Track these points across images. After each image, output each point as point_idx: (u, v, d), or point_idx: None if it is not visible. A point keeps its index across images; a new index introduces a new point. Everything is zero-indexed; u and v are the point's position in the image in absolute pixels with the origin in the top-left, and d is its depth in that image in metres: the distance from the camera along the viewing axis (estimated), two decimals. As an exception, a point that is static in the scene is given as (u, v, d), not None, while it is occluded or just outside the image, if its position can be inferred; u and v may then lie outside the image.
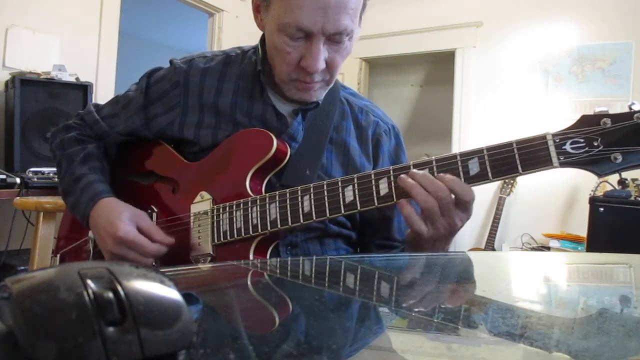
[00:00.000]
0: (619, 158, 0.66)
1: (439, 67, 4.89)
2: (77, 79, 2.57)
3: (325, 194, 0.80)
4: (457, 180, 0.74)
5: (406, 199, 0.76)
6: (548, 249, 3.41)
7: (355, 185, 0.78)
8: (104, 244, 0.88)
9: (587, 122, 0.68)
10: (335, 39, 0.82)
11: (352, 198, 0.78)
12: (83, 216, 0.93)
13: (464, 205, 0.76)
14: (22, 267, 2.19)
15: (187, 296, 0.29)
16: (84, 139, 1.02)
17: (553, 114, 3.52)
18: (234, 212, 0.86)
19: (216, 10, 3.91)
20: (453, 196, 0.74)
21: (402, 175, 0.76)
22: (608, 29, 3.45)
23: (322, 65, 0.83)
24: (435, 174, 0.75)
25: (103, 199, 0.92)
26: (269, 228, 0.83)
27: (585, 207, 2.70)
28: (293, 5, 0.79)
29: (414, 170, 0.75)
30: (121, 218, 0.86)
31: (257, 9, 0.89)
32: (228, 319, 0.42)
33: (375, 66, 4.87)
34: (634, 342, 0.37)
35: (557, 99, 3.60)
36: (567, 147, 0.68)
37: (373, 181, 0.77)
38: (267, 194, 0.84)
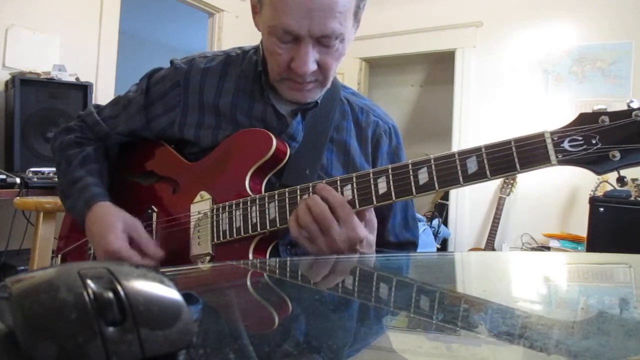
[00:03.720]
0: (618, 156, 0.65)
1: (439, 67, 4.89)
2: (77, 79, 2.57)
3: None
4: (331, 191, 0.76)
5: (295, 219, 0.77)
6: (548, 249, 3.41)
7: (354, 184, 0.78)
8: (98, 253, 0.90)
9: (586, 119, 0.67)
10: (324, 42, 0.82)
11: (350, 197, 0.78)
12: (79, 220, 0.94)
13: (344, 222, 0.75)
14: (22, 267, 2.19)
15: (187, 296, 0.29)
16: (83, 141, 1.02)
17: (553, 114, 3.51)
18: (234, 212, 0.86)
19: (216, 10, 3.90)
20: (329, 212, 0.75)
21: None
22: (608, 29, 3.45)
23: (311, 67, 0.83)
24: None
25: (97, 203, 0.91)
26: (268, 227, 0.83)
27: (585, 207, 2.70)
28: (279, 9, 0.79)
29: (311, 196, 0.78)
30: (114, 231, 0.86)
31: (254, 10, 0.90)
32: (228, 319, 0.42)
33: (375, 66, 4.86)
34: (634, 342, 0.37)
35: (557, 99, 3.59)
36: (566, 145, 0.67)
37: (372, 180, 0.77)
38: (267, 194, 0.84)
